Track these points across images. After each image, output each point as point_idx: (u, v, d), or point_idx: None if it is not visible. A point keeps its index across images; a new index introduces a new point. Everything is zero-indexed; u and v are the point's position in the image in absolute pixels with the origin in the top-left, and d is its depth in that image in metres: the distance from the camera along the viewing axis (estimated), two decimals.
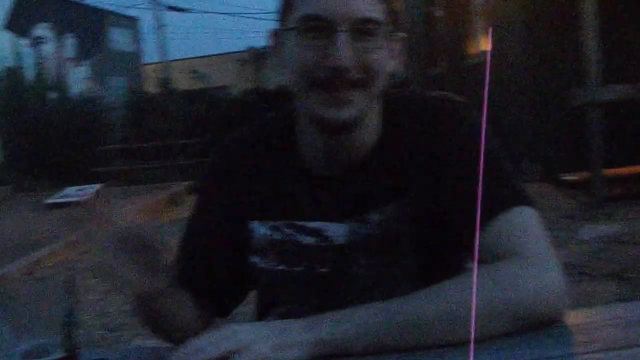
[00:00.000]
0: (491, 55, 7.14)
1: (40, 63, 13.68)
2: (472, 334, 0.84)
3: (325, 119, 1.07)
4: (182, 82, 16.73)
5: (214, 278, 1.23)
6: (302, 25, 1.05)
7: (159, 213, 8.36)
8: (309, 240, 1.16)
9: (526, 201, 1.06)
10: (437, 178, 1.10)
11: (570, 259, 4.68)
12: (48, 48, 14.51)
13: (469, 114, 1.14)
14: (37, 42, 14.09)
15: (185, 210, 5.89)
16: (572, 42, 6.62)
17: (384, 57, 1.08)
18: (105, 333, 4.29)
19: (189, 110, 12.90)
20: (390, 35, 1.09)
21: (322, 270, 1.15)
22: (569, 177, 6.94)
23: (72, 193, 9.52)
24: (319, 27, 1.04)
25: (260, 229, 1.19)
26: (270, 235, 1.19)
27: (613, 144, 6.27)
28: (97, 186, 9.84)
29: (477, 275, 0.93)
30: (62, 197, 9.45)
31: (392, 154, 1.14)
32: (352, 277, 1.14)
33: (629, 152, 6.71)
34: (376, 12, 1.06)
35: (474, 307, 0.87)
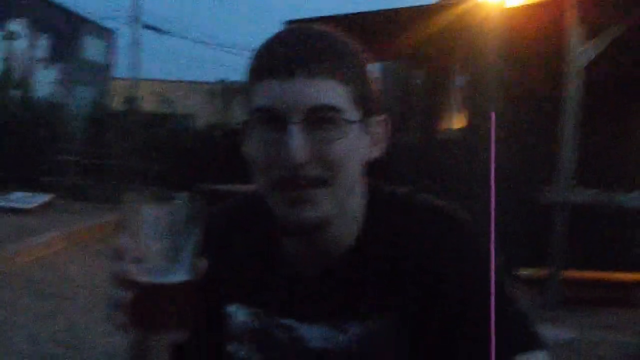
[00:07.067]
0: (465, 143, 7.20)
1: (10, 59, 13.30)
2: None
3: (286, 219, 0.95)
4: (148, 103, 16.38)
5: None
6: (255, 118, 0.94)
7: (107, 235, 8.04)
8: (283, 337, 1.05)
9: (540, 344, 0.97)
10: (434, 300, 0.98)
11: None
12: (20, 45, 14.16)
13: (472, 232, 1.02)
14: (10, 36, 13.73)
15: None
16: (548, 141, 6.75)
17: (349, 147, 0.93)
18: None
19: (151, 134, 12.63)
20: (362, 121, 0.95)
21: None
22: (526, 273, 6.97)
23: (17, 198, 9.12)
24: (270, 120, 0.92)
25: (240, 314, 1.08)
26: (251, 322, 1.07)
27: (575, 246, 6.33)
28: (48, 196, 9.45)
29: None
30: (6, 201, 9.02)
31: (376, 258, 1.01)
32: None
33: (589, 257, 6.80)
34: (334, 97, 0.92)
35: None
